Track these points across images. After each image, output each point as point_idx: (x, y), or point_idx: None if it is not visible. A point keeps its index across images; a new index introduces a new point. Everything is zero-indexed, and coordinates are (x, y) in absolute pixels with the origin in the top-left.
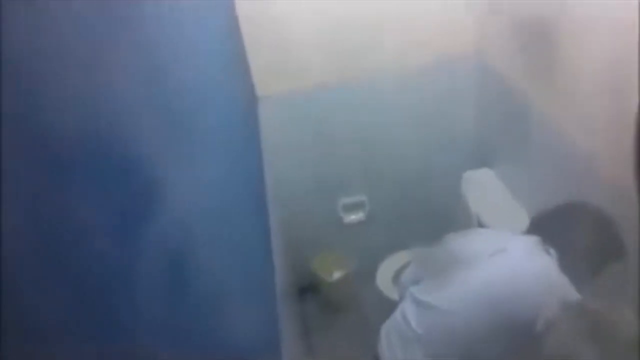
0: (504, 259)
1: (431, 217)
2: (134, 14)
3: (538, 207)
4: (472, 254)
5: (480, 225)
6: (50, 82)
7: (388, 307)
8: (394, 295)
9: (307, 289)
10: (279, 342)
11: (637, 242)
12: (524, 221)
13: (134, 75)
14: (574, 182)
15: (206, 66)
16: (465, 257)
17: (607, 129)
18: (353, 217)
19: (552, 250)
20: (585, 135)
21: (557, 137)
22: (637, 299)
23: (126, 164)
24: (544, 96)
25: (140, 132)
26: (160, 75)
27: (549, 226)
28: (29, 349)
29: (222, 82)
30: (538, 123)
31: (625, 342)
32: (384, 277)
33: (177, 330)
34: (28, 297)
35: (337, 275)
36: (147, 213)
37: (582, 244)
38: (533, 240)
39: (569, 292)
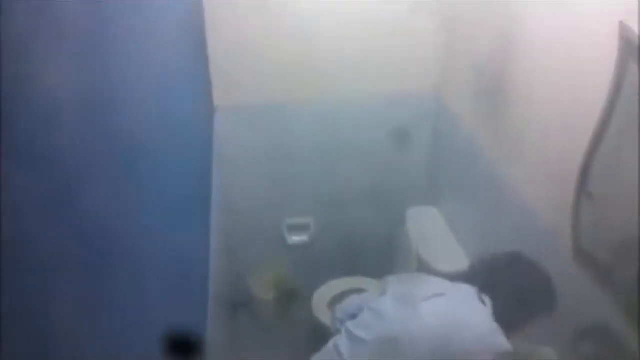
0: (440, 305)
1: (374, 246)
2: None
3: (477, 249)
4: (410, 296)
5: (420, 260)
6: None
7: (321, 331)
8: (328, 321)
9: (242, 304)
10: (203, 355)
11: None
12: (462, 261)
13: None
14: (513, 229)
15: (160, 72)
16: (404, 298)
17: (551, 183)
18: (297, 239)
19: (487, 300)
20: (529, 186)
21: (502, 183)
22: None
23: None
24: (494, 141)
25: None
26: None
27: (486, 274)
28: None
29: (174, 89)
30: (486, 167)
31: None
32: (320, 302)
33: (99, 328)
34: None
35: (273, 294)
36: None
37: (517, 295)
38: (470, 289)
39: (501, 342)
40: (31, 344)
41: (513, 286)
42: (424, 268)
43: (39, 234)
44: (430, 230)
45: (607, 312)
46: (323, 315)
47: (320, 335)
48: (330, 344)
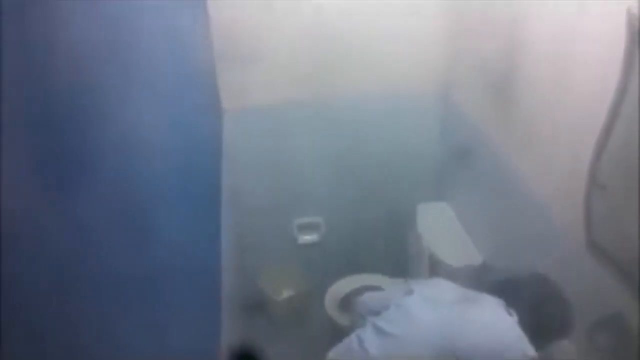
0: (473, 309)
1: (385, 244)
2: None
3: (488, 244)
4: (440, 298)
5: (431, 256)
6: None
7: (334, 330)
8: (340, 319)
9: (255, 305)
10: (217, 353)
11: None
12: (473, 257)
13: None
14: (524, 223)
15: (167, 76)
16: (433, 300)
17: (562, 176)
18: (307, 238)
19: (513, 312)
20: (540, 180)
21: (513, 179)
22: None
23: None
24: (505, 138)
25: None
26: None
27: (509, 293)
28: None
29: (182, 93)
30: (497, 163)
31: None
32: (332, 300)
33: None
34: None
35: (285, 294)
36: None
37: (537, 317)
38: (497, 300)
39: (528, 348)
40: (38, 347)
41: (534, 309)
42: (436, 263)
43: (39, 230)
44: (441, 225)
45: (621, 304)
46: (335, 313)
47: (333, 333)
48: (353, 336)
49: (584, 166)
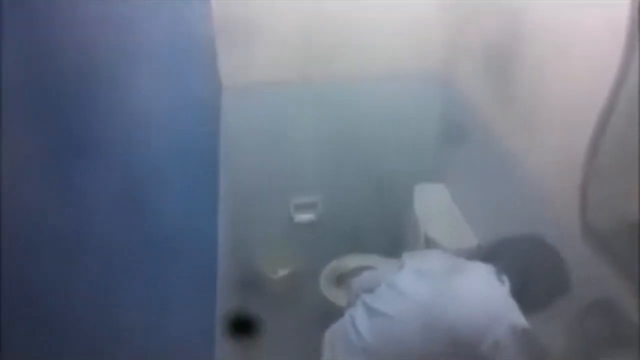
0: (461, 280)
1: (381, 224)
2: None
3: (484, 226)
4: (429, 271)
5: (427, 237)
6: None
7: (330, 310)
8: (336, 299)
9: (251, 283)
10: (213, 331)
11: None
12: (469, 239)
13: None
14: (521, 206)
15: (166, 51)
16: (422, 273)
17: (559, 159)
18: (304, 217)
19: (505, 279)
20: (537, 163)
21: (510, 162)
22: None
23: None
24: (504, 122)
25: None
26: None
27: (502, 255)
28: None
29: (182, 69)
30: (495, 147)
31: None
32: (327, 279)
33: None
34: None
35: (281, 273)
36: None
37: (533, 279)
38: (488, 267)
39: (518, 318)
40: (38, 319)
41: (530, 268)
42: (432, 245)
43: (40, 204)
44: (438, 207)
45: (615, 288)
46: (331, 292)
47: (328, 312)
48: (346, 315)
49: (582, 150)
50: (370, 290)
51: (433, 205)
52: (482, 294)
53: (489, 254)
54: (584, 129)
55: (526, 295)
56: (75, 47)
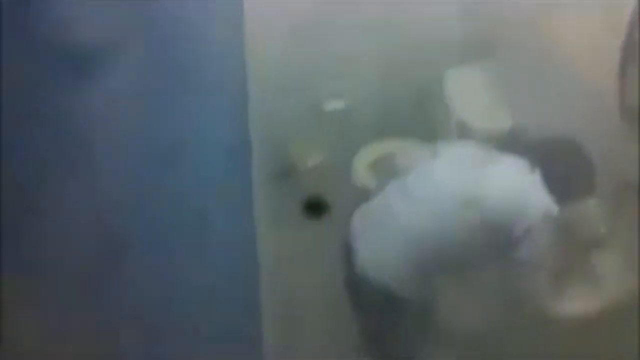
0: (494, 169)
1: (412, 110)
2: None
3: (519, 108)
4: (464, 160)
5: (459, 122)
6: None
7: (362, 196)
8: (369, 185)
9: (283, 173)
10: (253, 225)
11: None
12: (502, 122)
13: None
14: (557, 87)
15: None
16: (458, 162)
17: (597, 38)
18: (334, 105)
19: (537, 172)
20: (574, 42)
21: (546, 42)
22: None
23: None
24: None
25: None
26: None
27: (533, 152)
28: None
29: None
30: (529, 26)
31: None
32: (360, 166)
33: None
34: None
35: (312, 162)
36: None
37: (560, 174)
38: (521, 161)
39: (550, 205)
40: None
41: (559, 165)
42: (464, 129)
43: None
44: (470, 91)
45: None
46: (363, 179)
47: (361, 200)
48: (378, 199)
49: (622, 27)
50: (403, 175)
51: (465, 89)
52: (515, 182)
53: (520, 150)
54: (625, 7)
55: (552, 191)
56: None
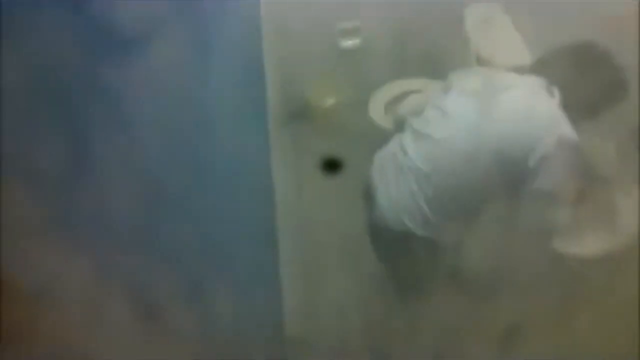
0: (507, 96)
1: (430, 48)
2: None
3: (540, 45)
4: (476, 90)
5: (479, 57)
6: None
7: (379, 136)
8: (386, 124)
9: (299, 114)
10: (269, 162)
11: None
12: (524, 57)
13: None
14: (580, 21)
15: None
16: (470, 94)
17: None
18: (349, 43)
19: (556, 91)
20: None
21: None
22: None
23: None
24: None
25: None
26: None
27: (555, 64)
28: None
29: None
30: None
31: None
32: (376, 106)
33: None
34: None
35: (330, 101)
36: None
37: (587, 84)
38: (537, 81)
39: (568, 131)
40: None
41: (584, 74)
42: (483, 65)
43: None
44: (490, 27)
45: None
46: (380, 118)
47: (378, 140)
48: (395, 140)
49: None
50: (418, 113)
51: (485, 25)
52: (529, 109)
53: (540, 65)
54: None
55: (578, 104)
56: None
